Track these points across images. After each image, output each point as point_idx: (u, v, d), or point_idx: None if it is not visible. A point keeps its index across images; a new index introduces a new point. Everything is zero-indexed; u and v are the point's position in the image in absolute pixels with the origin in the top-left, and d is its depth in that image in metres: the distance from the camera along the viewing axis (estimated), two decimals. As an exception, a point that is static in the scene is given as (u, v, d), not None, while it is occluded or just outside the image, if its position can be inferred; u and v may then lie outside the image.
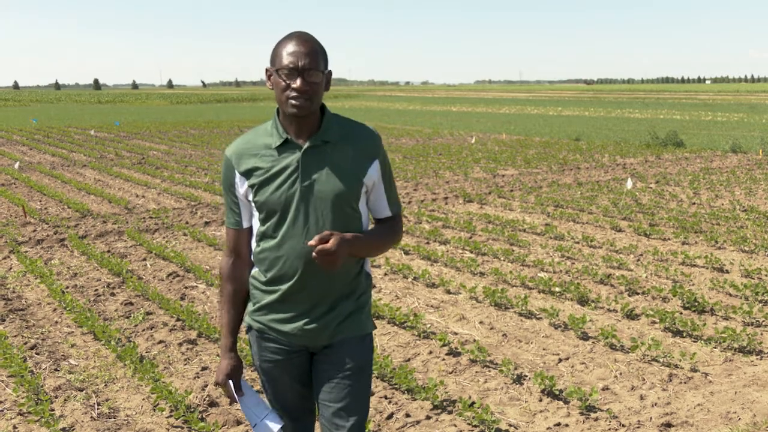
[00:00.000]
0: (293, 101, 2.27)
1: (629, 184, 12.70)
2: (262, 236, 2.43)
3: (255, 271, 2.51)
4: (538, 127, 31.78)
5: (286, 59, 2.26)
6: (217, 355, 5.34)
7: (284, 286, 2.41)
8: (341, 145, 2.40)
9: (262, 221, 2.42)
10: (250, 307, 2.55)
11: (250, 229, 2.51)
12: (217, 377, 2.56)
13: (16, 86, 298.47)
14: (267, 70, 2.37)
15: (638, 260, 7.88)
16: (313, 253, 2.22)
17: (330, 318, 2.44)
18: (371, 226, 2.55)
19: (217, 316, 6.02)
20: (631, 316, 6.10)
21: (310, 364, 2.56)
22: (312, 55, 2.27)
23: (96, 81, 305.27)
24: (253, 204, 2.41)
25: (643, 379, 4.85)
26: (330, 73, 2.37)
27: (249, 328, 2.57)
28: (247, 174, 2.39)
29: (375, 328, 2.63)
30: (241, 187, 2.41)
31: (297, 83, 2.25)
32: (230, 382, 2.54)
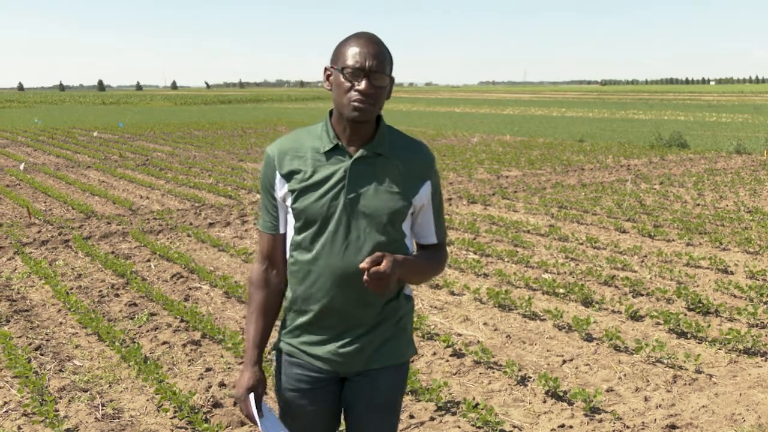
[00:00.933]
0: (356, 104, 2.09)
1: (629, 184, 12.70)
2: (297, 246, 2.24)
3: (288, 288, 2.32)
4: (542, 128, 31.77)
5: (351, 58, 2.09)
6: (221, 356, 5.34)
7: (317, 305, 2.22)
8: (393, 160, 2.22)
9: (298, 230, 2.22)
10: (283, 329, 2.36)
11: (285, 235, 2.31)
12: (237, 391, 2.31)
13: (20, 88, 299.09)
14: (326, 69, 2.20)
15: (642, 261, 7.87)
16: (365, 276, 2.02)
17: (366, 341, 2.25)
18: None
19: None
20: (635, 317, 6.09)
21: (341, 390, 2.37)
22: (380, 57, 2.11)
23: (100, 82, 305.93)
24: (290, 210, 2.22)
25: (648, 381, 4.84)
26: (393, 80, 2.19)
27: (278, 350, 2.38)
28: (289, 177, 2.19)
29: (415, 353, 2.43)
30: (281, 189, 2.22)
31: (362, 85, 2.08)
32: (251, 397, 2.29)
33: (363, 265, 2.02)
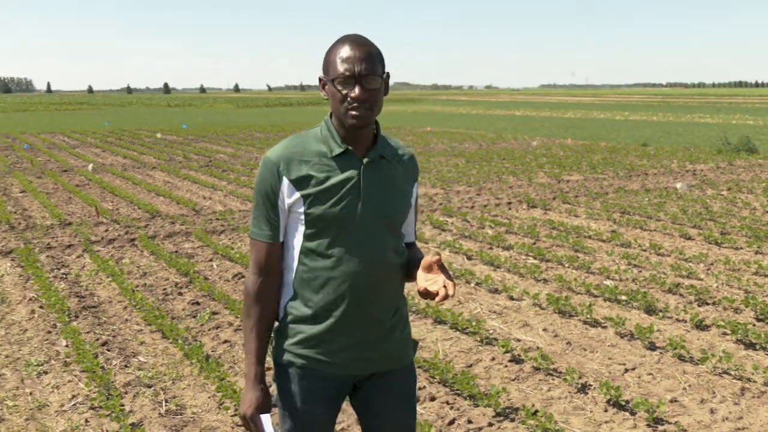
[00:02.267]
0: (353, 112, 2.08)
1: (681, 186, 12.40)
2: (309, 253, 2.18)
3: (293, 299, 2.25)
4: (604, 131, 31.24)
5: (340, 67, 2.07)
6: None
7: (338, 312, 2.18)
8: (393, 163, 2.26)
9: (310, 237, 2.17)
10: (287, 341, 2.27)
11: (282, 244, 2.24)
12: (245, 410, 2.25)
13: (90, 90, 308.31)
14: (321, 80, 2.18)
15: (709, 269, 7.66)
16: (437, 299, 1.99)
17: (385, 343, 2.28)
18: None
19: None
20: (701, 326, 5.93)
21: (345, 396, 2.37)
22: (368, 59, 2.08)
23: (166, 85, 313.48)
24: (302, 216, 2.16)
25: (714, 392, 4.71)
26: (388, 75, 2.16)
27: (288, 365, 2.27)
28: (299, 183, 2.13)
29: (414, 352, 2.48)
30: (290, 196, 2.14)
31: (356, 92, 2.06)
32: (262, 417, 2.26)
33: (439, 299, 1.99)
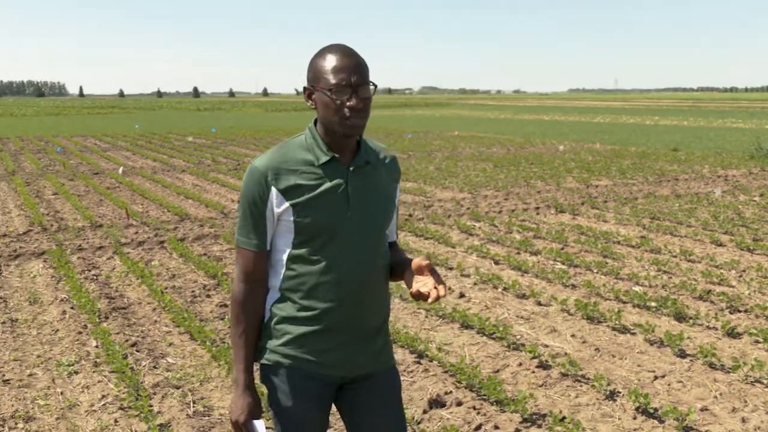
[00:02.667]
0: (348, 121, 2.10)
1: (717, 192, 12.22)
2: (296, 260, 2.21)
3: (280, 301, 2.27)
4: (634, 136, 30.95)
5: (335, 77, 2.08)
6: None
7: (329, 314, 2.21)
8: (377, 167, 2.29)
9: (299, 244, 2.20)
10: (273, 342, 2.28)
11: (268, 252, 2.27)
12: (237, 417, 2.25)
13: (121, 94, 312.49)
14: (306, 89, 2.20)
15: (740, 276, 7.55)
16: (429, 300, 2.04)
17: (373, 344, 2.32)
18: None
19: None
20: (732, 334, 5.85)
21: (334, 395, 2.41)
22: (361, 69, 2.11)
23: (195, 89, 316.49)
24: (292, 225, 2.18)
25: (746, 401, 4.64)
26: (376, 87, 2.17)
27: (276, 365, 2.28)
28: (288, 192, 2.15)
29: None
30: (279, 206, 2.16)
31: (353, 102, 2.08)
32: (255, 423, 2.28)
33: (431, 301, 2.03)
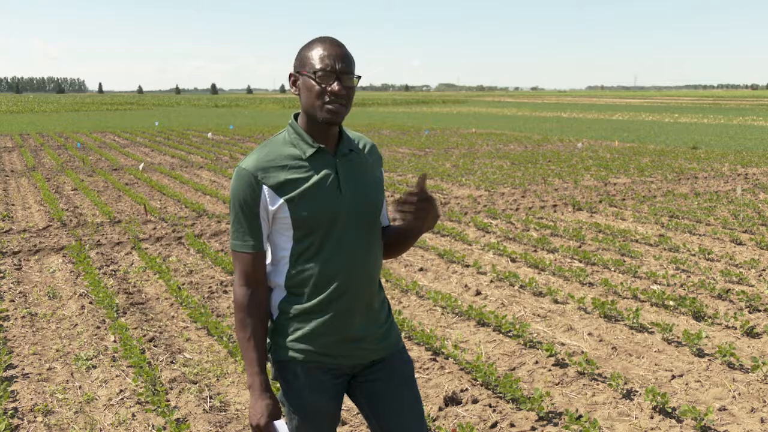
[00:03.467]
0: (330, 106, 2.13)
1: (738, 190, 12.10)
2: (300, 255, 2.22)
3: (287, 298, 2.29)
4: (653, 134, 30.73)
5: (320, 62, 2.13)
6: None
7: (336, 304, 2.24)
8: (361, 155, 2.33)
9: (299, 239, 2.21)
10: (284, 339, 2.30)
11: (266, 252, 2.28)
12: (258, 420, 2.22)
13: (140, 91, 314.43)
14: (291, 75, 2.23)
15: (760, 275, 7.48)
16: (412, 199, 2.08)
17: (382, 329, 2.37)
18: None
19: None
20: (751, 334, 5.79)
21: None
22: (347, 59, 2.16)
23: (213, 86, 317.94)
24: (288, 221, 2.19)
25: (764, 402, 4.59)
26: (360, 78, 2.22)
27: (289, 361, 2.31)
28: (279, 188, 2.16)
29: None
30: (272, 204, 2.17)
31: (335, 87, 2.12)
32: (276, 424, 2.25)
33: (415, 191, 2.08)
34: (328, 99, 2.13)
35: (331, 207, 2.19)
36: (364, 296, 2.29)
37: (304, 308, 2.25)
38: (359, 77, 2.21)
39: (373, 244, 2.30)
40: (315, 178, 2.18)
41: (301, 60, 2.18)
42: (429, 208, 2.11)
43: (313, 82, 2.13)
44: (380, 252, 2.37)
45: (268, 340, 2.35)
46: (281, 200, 2.17)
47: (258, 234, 2.22)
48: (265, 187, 2.17)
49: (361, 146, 2.36)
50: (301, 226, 2.19)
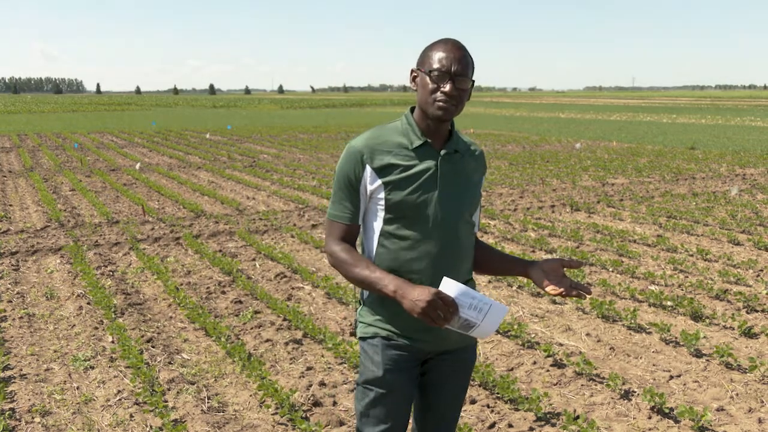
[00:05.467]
0: (440, 104, 2.27)
1: (734, 191, 12.11)
2: (389, 236, 2.36)
3: None
4: (651, 134, 30.76)
5: (438, 62, 2.26)
6: (322, 356, 5.42)
7: None
8: (466, 157, 2.44)
9: (389, 221, 2.35)
10: (370, 317, 2.44)
11: (360, 227, 2.42)
12: (427, 296, 2.11)
13: (138, 91, 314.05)
14: (413, 71, 2.38)
15: (758, 276, 7.49)
16: (563, 292, 2.36)
17: None
18: None
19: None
20: (749, 334, 5.80)
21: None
22: (464, 62, 2.28)
23: (211, 86, 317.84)
24: (382, 202, 2.33)
25: (762, 402, 4.60)
26: (474, 83, 2.35)
27: (373, 336, 2.43)
28: (382, 171, 2.31)
29: None
30: (372, 183, 2.33)
31: (447, 87, 2.25)
32: (444, 284, 2.15)
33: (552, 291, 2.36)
34: (440, 97, 2.27)
35: (423, 197, 2.31)
36: None
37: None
38: (473, 82, 2.32)
39: (460, 238, 2.40)
40: (415, 168, 2.32)
41: (422, 58, 2.33)
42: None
43: (429, 81, 2.28)
44: (469, 248, 2.47)
45: (354, 318, 2.50)
46: (379, 181, 2.31)
47: (356, 207, 2.38)
48: (368, 167, 2.32)
49: (471, 150, 2.49)
50: (393, 210, 2.33)
